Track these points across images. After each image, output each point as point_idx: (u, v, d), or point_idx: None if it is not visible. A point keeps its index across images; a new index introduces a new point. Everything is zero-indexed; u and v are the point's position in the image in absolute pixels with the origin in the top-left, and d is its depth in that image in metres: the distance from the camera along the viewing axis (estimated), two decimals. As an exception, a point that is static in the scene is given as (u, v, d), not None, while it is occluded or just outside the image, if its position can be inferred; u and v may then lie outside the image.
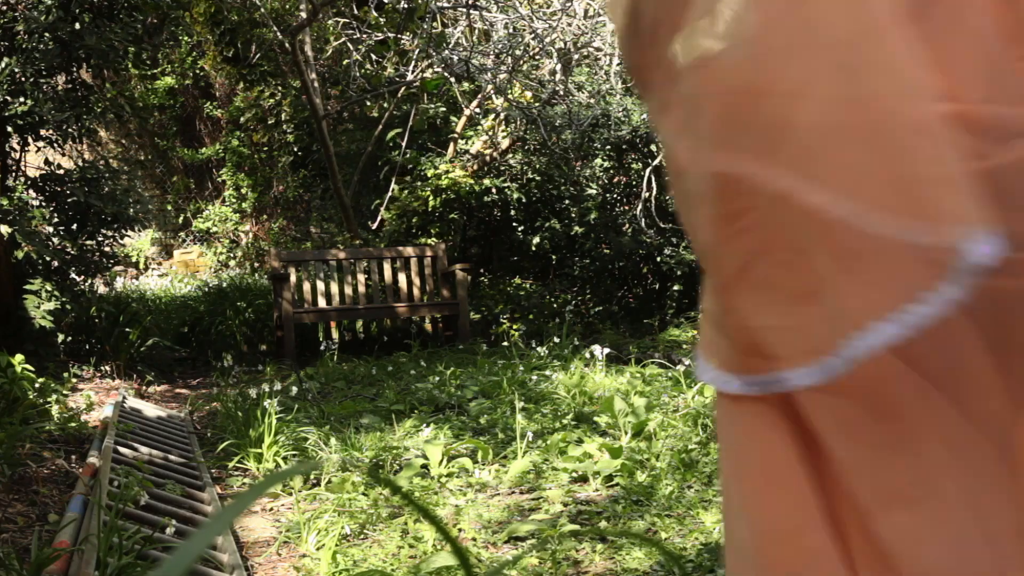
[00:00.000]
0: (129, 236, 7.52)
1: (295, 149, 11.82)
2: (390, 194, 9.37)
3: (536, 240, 8.85)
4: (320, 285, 7.72)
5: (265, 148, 12.00)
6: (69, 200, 6.20)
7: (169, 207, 13.53)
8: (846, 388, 0.77)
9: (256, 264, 11.84)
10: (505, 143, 8.96)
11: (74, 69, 6.31)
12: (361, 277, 7.86)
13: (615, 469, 3.24)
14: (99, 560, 2.28)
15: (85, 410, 4.65)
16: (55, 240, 6.14)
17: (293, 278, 7.59)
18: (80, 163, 6.71)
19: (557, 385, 4.87)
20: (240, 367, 6.83)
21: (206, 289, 8.97)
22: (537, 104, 8.48)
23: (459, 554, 0.58)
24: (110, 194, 6.25)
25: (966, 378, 0.78)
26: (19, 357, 4.52)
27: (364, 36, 9.11)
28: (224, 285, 9.00)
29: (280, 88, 11.65)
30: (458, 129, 9.35)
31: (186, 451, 4.07)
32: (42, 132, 6.22)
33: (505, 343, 6.65)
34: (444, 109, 9.84)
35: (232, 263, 12.28)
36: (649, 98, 0.95)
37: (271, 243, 11.74)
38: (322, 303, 7.69)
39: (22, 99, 5.82)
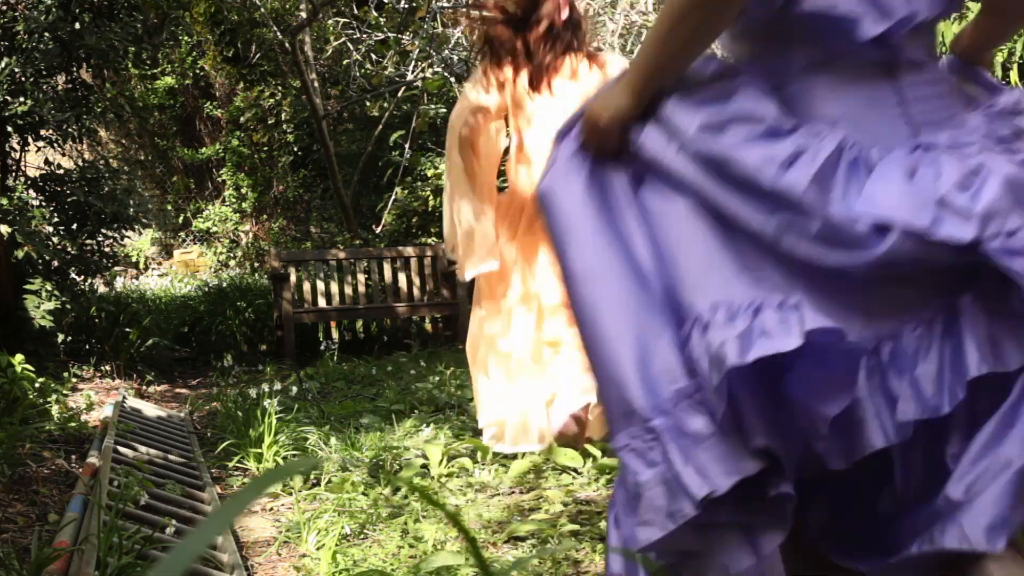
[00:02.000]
0: (129, 236, 7.52)
1: (295, 149, 11.81)
2: (393, 197, 9.36)
3: (536, 240, 8.84)
4: (320, 285, 7.72)
5: (265, 148, 11.99)
6: (69, 200, 6.20)
7: (169, 207, 13.52)
8: None
9: (256, 264, 11.84)
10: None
11: (74, 69, 6.30)
12: (361, 277, 7.86)
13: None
14: (99, 560, 2.28)
15: (85, 410, 4.65)
16: (55, 240, 6.14)
17: (293, 278, 7.59)
18: (80, 163, 6.71)
19: (557, 385, 4.87)
20: (240, 367, 6.83)
21: (206, 289, 8.97)
22: (537, 104, 8.47)
23: (471, 545, 0.58)
24: (110, 194, 6.25)
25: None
26: (19, 357, 4.52)
27: (364, 36, 9.11)
28: (224, 285, 9.00)
29: (280, 88, 11.65)
30: (458, 129, 9.34)
31: (186, 451, 4.07)
32: (42, 132, 6.22)
33: (505, 343, 6.64)
34: (444, 110, 9.83)
35: (232, 263, 12.27)
36: None
37: (271, 243, 11.74)
38: (322, 303, 7.69)
39: (22, 99, 5.82)
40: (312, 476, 3.40)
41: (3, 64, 5.63)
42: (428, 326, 8.14)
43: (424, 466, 3.47)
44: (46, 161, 6.31)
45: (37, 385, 4.52)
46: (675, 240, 1.39)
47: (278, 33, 9.55)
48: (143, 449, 3.82)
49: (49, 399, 4.52)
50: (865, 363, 1.31)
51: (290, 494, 3.29)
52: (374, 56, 9.56)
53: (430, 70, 8.92)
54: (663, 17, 1.37)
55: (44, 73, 6.04)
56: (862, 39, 1.33)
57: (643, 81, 1.37)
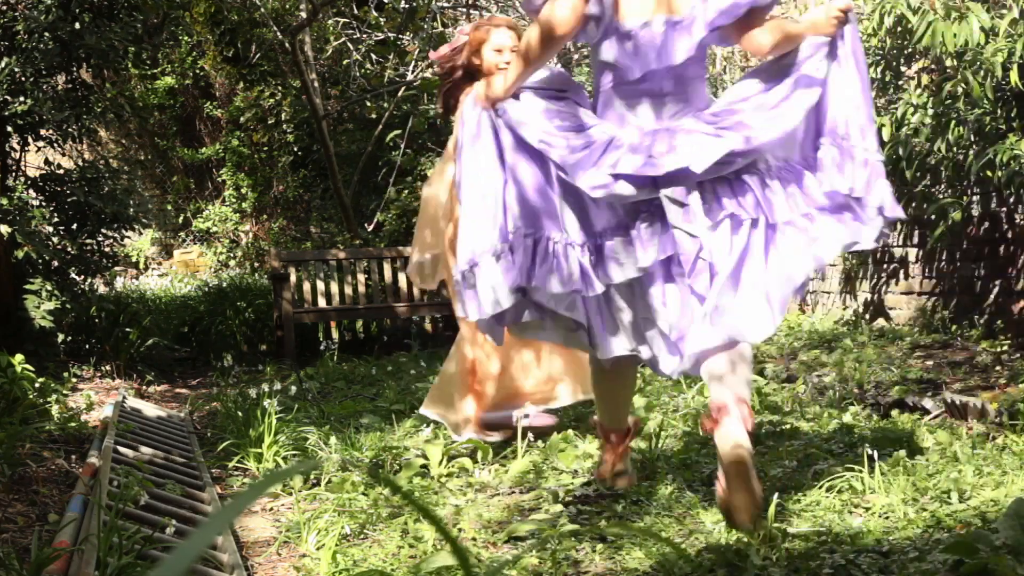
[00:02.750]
0: (129, 236, 7.52)
1: (295, 149, 11.80)
2: (387, 197, 9.35)
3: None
4: (320, 285, 7.71)
5: (265, 148, 11.98)
6: (69, 200, 6.20)
7: (169, 207, 13.51)
8: None
9: (256, 264, 11.83)
10: (505, 143, 8.95)
11: (74, 69, 6.30)
12: (361, 277, 7.86)
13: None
14: (99, 560, 2.28)
15: (85, 410, 4.65)
16: (55, 240, 6.14)
17: (293, 278, 7.59)
18: (80, 163, 6.71)
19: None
20: (240, 367, 6.83)
21: (206, 289, 8.96)
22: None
23: (458, 553, 0.58)
24: (110, 194, 6.25)
25: None
26: (19, 357, 4.52)
27: (364, 36, 9.11)
28: (224, 285, 8.99)
29: (280, 88, 11.64)
30: (458, 129, 9.33)
31: (186, 451, 4.07)
32: (42, 132, 6.22)
33: (505, 343, 6.63)
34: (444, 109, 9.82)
35: (232, 263, 12.27)
36: None
37: (271, 243, 11.74)
38: (322, 303, 7.68)
39: (22, 99, 5.81)
40: (312, 476, 3.40)
41: (3, 64, 5.63)
42: (428, 326, 8.14)
43: (424, 466, 3.47)
44: (46, 161, 6.31)
45: (37, 385, 4.52)
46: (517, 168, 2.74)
47: (278, 33, 9.55)
48: (143, 449, 3.82)
49: (49, 399, 4.52)
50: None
51: (290, 494, 3.30)
52: (374, 56, 9.55)
53: (430, 70, 8.92)
54: (522, 53, 2.65)
55: (44, 73, 6.04)
56: (630, 78, 2.63)
57: (512, 84, 2.69)
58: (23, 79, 5.83)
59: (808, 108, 2.61)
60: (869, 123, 2.66)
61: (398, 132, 9.61)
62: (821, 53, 2.63)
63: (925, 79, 5.79)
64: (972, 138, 5.23)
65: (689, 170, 2.48)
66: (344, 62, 10.26)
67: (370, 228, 9.59)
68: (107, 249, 6.49)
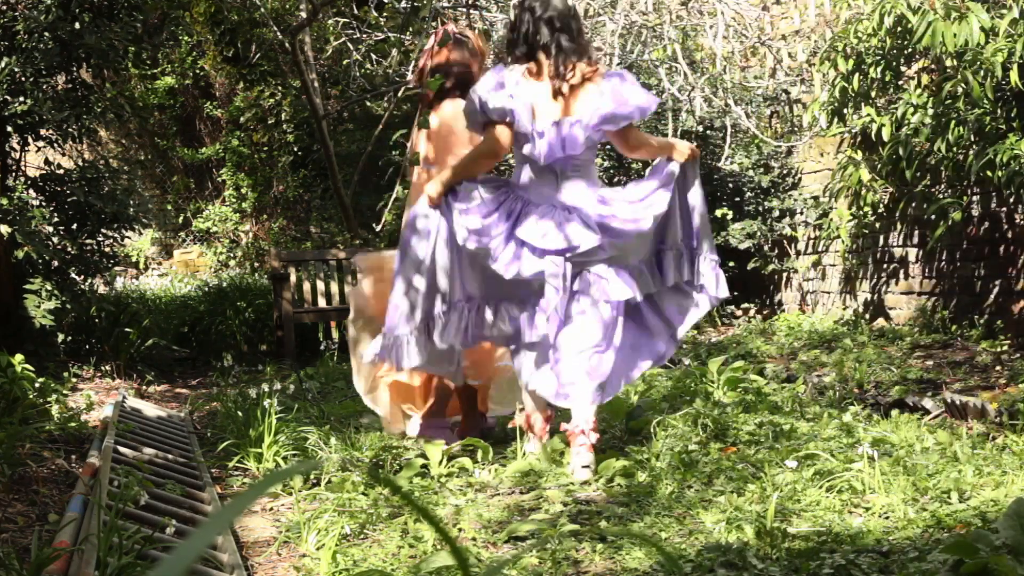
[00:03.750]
0: (129, 236, 7.52)
1: (295, 149, 11.79)
2: (395, 195, 9.34)
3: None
4: (320, 285, 7.71)
5: (265, 148, 11.98)
6: (69, 200, 6.20)
7: (169, 207, 13.50)
8: None
9: (256, 264, 11.83)
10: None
11: (74, 69, 6.30)
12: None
13: (615, 469, 3.24)
14: (99, 560, 2.28)
15: (85, 410, 4.65)
16: (55, 240, 6.13)
17: (293, 278, 7.58)
18: (80, 163, 6.71)
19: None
20: (240, 367, 6.83)
21: (206, 289, 8.96)
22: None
23: (457, 554, 0.58)
24: (110, 194, 6.25)
25: None
26: (19, 357, 4.51)
27: (364, 36, 9.11)
28: (224, 285, 8.99)
29: (280, 88, 11.64)
30: (458, 129, 9.32)
31: (186, 451, 4.07)
32: (42, 132, 6.22)
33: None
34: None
35: (232, 263, 12.26)
36: None
37: (271, 243, 11.73)
38: (322, 303, 7.68)
39: (22, 99, 5.81)
40: (312, 476, 3.40)
41: (3, 64, 5.62)
42: (428, 326, 8.12)
43: (424, 466, 3.47)
44: (46, 161, 6.30)
45: (37, 385, 4.52)
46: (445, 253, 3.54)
47: (278, 33, 9.54)
48: (143, 449, 3.82)
49: (49, 399, 4.52)
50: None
51: (290, 494, 3.30)
52: (374, 56, 9.55)
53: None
54: (464, 159, 3.54)
55: (44, 73, 6.03)
56: (540, 164, 3.45)
57: (448, 182, 3.50)
58: (23, 79, 5.82)
59: (657, 216, 3.49)
60: (703, 234, 3.61)
61: (403, 131, 9.60)
62: (669, 179, 3.58)
63: (925, 79, 5.79)
64: (972, 138, 5.22)
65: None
66: (344, 62, 10.26)
67: (379, 228, 9.59)
68: (107, 249, 6.48)
